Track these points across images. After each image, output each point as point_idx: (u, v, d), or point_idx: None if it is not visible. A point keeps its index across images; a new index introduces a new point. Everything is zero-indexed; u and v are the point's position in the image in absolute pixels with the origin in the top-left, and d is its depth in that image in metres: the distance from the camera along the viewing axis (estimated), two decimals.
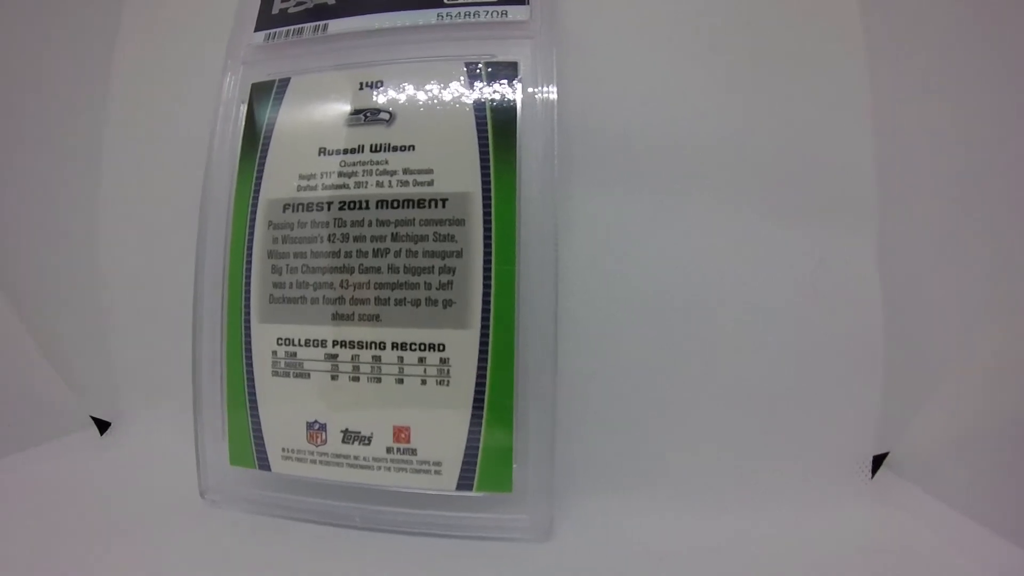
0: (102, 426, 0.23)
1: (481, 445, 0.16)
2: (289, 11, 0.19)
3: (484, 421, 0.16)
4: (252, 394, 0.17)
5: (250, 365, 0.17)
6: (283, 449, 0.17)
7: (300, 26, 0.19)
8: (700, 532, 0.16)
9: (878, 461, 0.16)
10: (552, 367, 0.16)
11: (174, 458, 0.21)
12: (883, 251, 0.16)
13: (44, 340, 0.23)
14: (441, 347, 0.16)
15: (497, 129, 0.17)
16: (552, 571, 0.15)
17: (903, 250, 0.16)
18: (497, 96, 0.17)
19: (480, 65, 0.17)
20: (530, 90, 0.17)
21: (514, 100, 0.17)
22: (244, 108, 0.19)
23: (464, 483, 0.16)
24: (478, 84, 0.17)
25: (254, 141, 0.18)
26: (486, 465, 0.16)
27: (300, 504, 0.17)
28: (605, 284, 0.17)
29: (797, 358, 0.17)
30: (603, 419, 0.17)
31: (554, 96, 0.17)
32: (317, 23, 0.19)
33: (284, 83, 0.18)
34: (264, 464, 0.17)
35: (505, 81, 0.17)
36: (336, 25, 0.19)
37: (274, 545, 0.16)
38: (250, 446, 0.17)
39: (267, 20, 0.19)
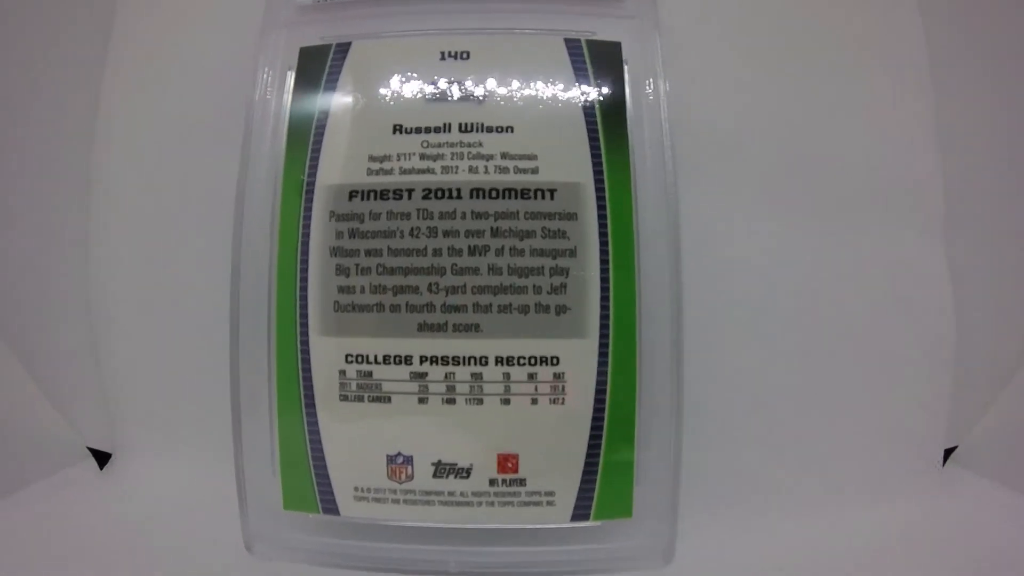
0: (101, 459, 0.16)
1: (600, 468, 0.11)
2: None
3: (604, 441, 0.11)
4: (313, 424, 0.11)
5: (309, 389, 0.11)
6: (356, 488, 0.11)
7: None
8: (802, 539, 0.12)
9: (948, 455, 0.14)
10: (678, 376, 0.11)
11: (196, 497, 0.14)
12: (952, 251, 0.14)
13: (30, 359, 0.15)
14: (555, 360, 0.11)
15: (606, 114, 0.12)
16: None
17: (972, 250, 0.14)
18: (603, 78, 0.12)
19: (582, 42, 0.12)
20: (637, 73, 0.12)
21: (622, 83, 0.12)
22: (292, 77, 0.12)
23: (580, 513, 0.11)
24: (580, 63, 0.12)
25: (306, 116, 0.12)
26: (605, 490, 0.11)
27: (378, 553, 0.11)
28: (710, 287, 0.13)
29: (877, 360, 0.14)
30: (713, 429, 0.13)
31: (663, 82, 0.12)
32: None
33: (343, 48, 0.12)
34: (330, 507, 0.11)
35: (610, 62, 0.12)
36: None
37: None
38: (311, 487, 0.11)
39: None
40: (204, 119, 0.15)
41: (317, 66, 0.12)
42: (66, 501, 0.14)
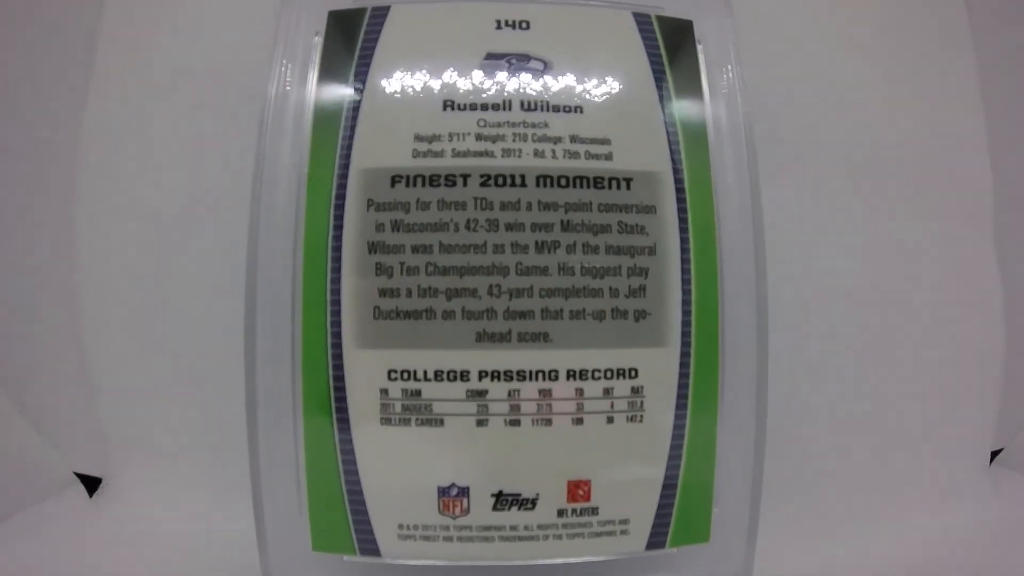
0: (91, 484, 0.12)
1: (679, 491, 0.09)
2: None
3: (683, 461, 0.09)
4: (348, 452, 0.09)
5: (343, 411, 0.09)
6: (401, 526, 0.09)
7: None
8: (871, 552, 0.11)
9: (994, 456, 0.13)
10: (763, 389, 0.09)
11: (194, 528, 0.11)
12: (1003, 252, 0.13)
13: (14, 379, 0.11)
14: (633, 372, 0.09)
15: (681, 98, 0.10)
16: None
17: (1022, 247, 0.13)
18: (677, 58, 0.10)
19: (652, 18, 0.10)
20: (712, 55, 0.10)
21: (696, 65, 0.10)
22: (320, 42, 0.10)
23: (656, 540, 0.09)
24: (651, 41, 0.10)
25: (337, 89, 0.09)
26: (683, 514, 0.09)
27: None
28: (787, 286, 0.11)
29: (930, 359, 0.13)
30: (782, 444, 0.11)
31: (738, 67, 0.10)
32: None
33: (381, 13, 0.09)
34: (370, 548, 0.09)
35: (682, 42, 0.10)
36: None
37: None
38: (346, 524, 0.09)
39: None
40: (208, 95, 0.12)
41: (350, 32, 0.09)
42: (54, 532, 0.11)
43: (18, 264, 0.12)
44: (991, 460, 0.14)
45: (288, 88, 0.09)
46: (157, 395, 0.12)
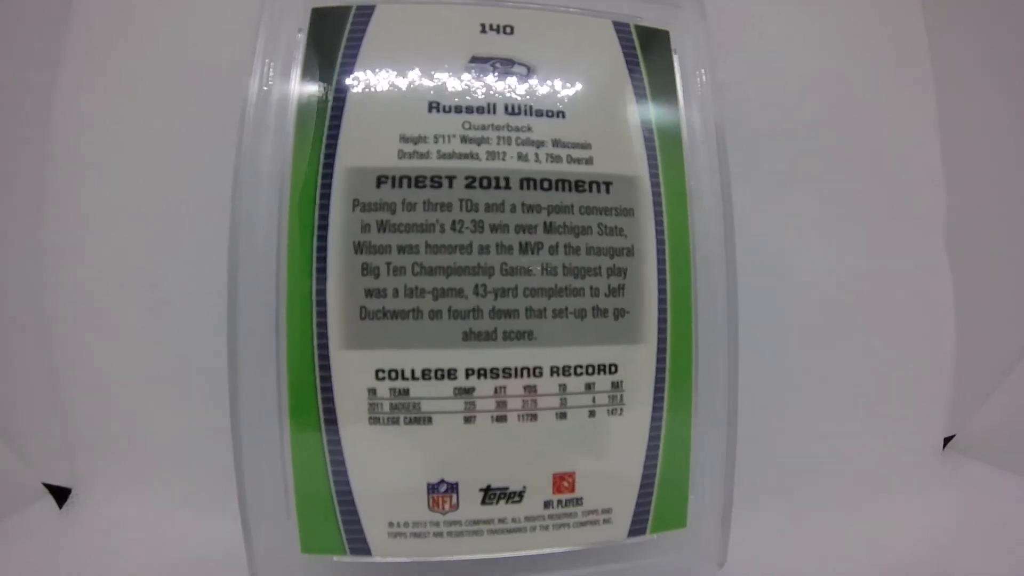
0: (60, 495, 0.12)
1: (657, 480, 0.11)
2: None
3: (661, 452, 0.11)
4: (336, 452, 0.10)
5: (331, 412, 0.10)
6: (391, 524, 0.10)
7: None
8: (835, 536, 0.13)
9: (948, 442, 0.15)
10: (733, 382, 0.11)
11: (171, 537, 0.12)
12: (953, 250, 0.15)
13: None
14: (613, 368, 0.10)
15: (658, 105, 0.11)
16: None
17: (972, 245, 0.15)
18: (654, 67, 0.11)
19: (631, 27, 0.11)
20: (689, 64, 0.12)
21: (672, 73, 0.11)
22: (303, 40, 0.10)
23: (637, 528, 0.11)
24: (630, 49, 0.11)
25: (321, 87, 0.10)
26: (662, 502, 0.11)
27: None
28: (755, 284, 0.13)
29: (887, 352, 0.15)
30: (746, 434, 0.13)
31: (712, 75, 0.12)
32: None
33: (366, 12, 0.10)
34: (360, 547, 0.10)
35: (659, 51, 0.12)
36: None
37: None
38: (335, 525, 0.10)
39: None
40: (183, 91, 0.12)
41: (334, 30, 0.10)
42: (24, 545, 0.11)
43: None
44: (944, 446, 0.16)
45: (270, 85, 0.10)
46: (129, 401, 0.13)
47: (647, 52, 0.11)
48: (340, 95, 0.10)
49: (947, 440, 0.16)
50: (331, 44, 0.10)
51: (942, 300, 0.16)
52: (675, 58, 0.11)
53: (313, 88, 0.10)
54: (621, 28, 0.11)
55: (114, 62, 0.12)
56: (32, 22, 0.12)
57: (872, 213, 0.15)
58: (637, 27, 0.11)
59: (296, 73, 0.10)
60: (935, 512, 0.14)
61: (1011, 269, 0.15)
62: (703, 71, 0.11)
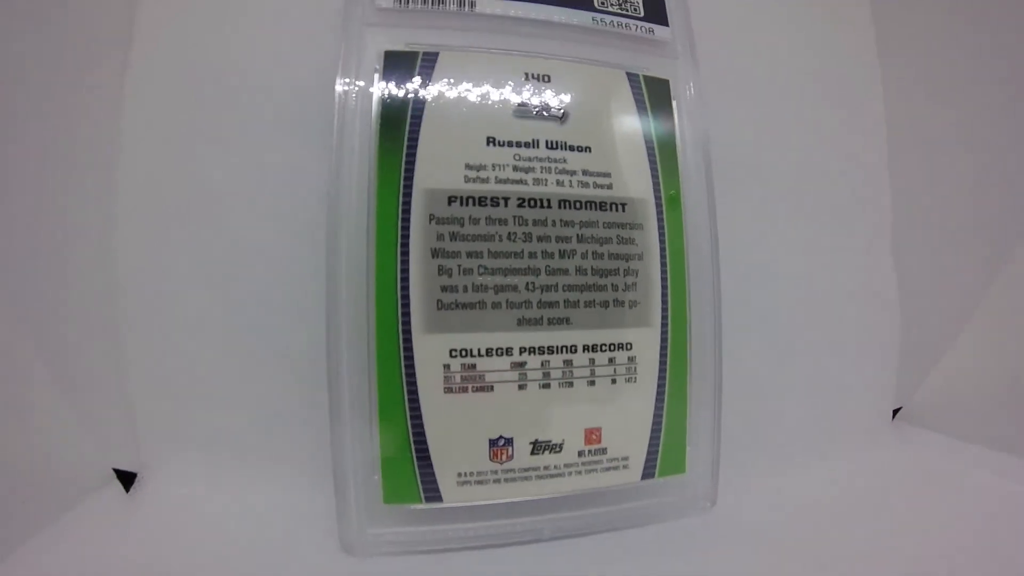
0: (127, 480, 0.14)
1: (663, 434, 0.14)
2: None
3: (665, 412, 0.14)
4: (416, 418, 0.12)
5: (412, 384, 0.12)
6: (459, 474, 0.13)
7: None
8: (803, 484, 0.17)
9: (896, 412, 0.20)
10: (718, 357, 0.15)
11: (242, 509, 0.14)
12: (897, 243, 0.20)
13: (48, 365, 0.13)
14: (629, 346, 0.14)
15: (660, 141, 0.15)
16: (725, 532, 0.14)
17: (914, 242, 0.20)
18: (658, 110, 0.15)
19: (640, 77, 0.15)
20: (685, 108, 0.15)
21: (672, 115, 0.15)
22: (378, 79, 0.13)
23: (648, 472, 0.14)
24: (639, 95, 0.15)
25: (397, 120, 0.13)
26: (667, 452, 0.14)
27: (479, 532, 0.13)
28: (733, 281, 0.17)
29: (827, 333, 0.20)
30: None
31: (704, 115, 0.16)
32: None
33: (431, 57, 0.13)
34: (433, 495, 0.12)
35: (661, 97, 0.15)
36: (484, 4, 0.14)
37: None
38: (414, 478, 0.12)
39: None
40: (251, 108, 0.14)
41: (405, 71, 0.13)
42: (96, 528, 0.12)
43: (55, 262, 0.13)
44: (894, 416, 0.21)
45: (353, 118, 0.12)
46: (189, 391, 0.15)
47: (652, 98, 0.15)
48: (415, 127, 0.13)
49: (896, 411, 0.21)
50: (403, 83, 0.13)
51: (888, 294, 0.21)
52: (674, 104, 0.15)
53: (391, 120, 0.13)
54: (632, 78, 0.15)
55: (188, 67, 0.15)
56: (97, 28, 0.14)
57: (831, 222, 0.20)
58: (645, 77, 0.15)
59: (376, 107, 0.13)
60: (886, 468, 0.18)
61: (945, 269, 0.20)
62: (697, 113, 0.15)
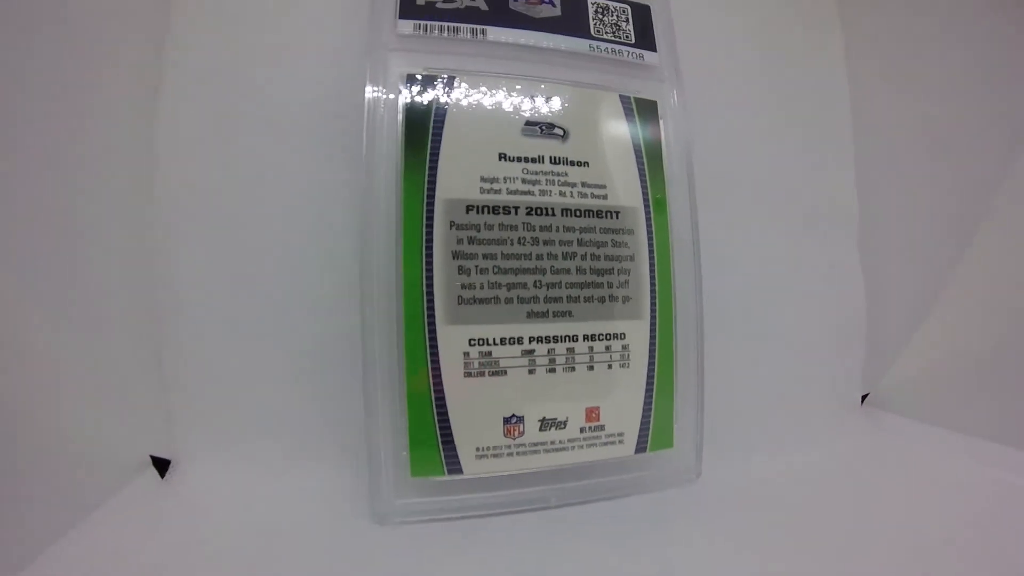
0: (162, 466, 0.15)
1: (653, 413, 0.17)
2: (437, 5, 0.16)
3: (655, 393, 0.17)
4: (440, 400, 0.14)
5: (436, 369, 0.14)
6: (477, 449, 0.15)
7: (456, 24, 0.16)
8: (779, 461, 0.20)
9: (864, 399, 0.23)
10: (700, 346, 0.17)
11: (273, 490, 0.16)
12: (864, 246, 0.23)
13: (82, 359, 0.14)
14: (622, 336, 0.16)
15: (649, 156, 0.17)
16: (709, 499, 0.17)
17: (877, 239, 0.23)
18: (647, 129, 0.17)
19: (632, 99, 0.17)
20: (671, 125, 0.18)
21: (659, 133, 0.18)
22: (401, 100, 0.15)
23: (640, 446, 0.17)
24: (631, 115, 0.17)
25: (420, 137, 0.15)
26: (656, 428, 0.17)
27: (494, 500, 0.15)
28: (714, 279, 0.19)
29: (801, 327, 0.22)
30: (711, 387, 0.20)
31: (688, 132, 0.18)
32: (474, 26, 0.16)
33: (449, 81, 0.15)
34: (455, 468, 0.15)
35: (650, 117, 0.18)
36: (495, 33, 0.16)
37: (473, 545, 0.14)
38: (437, 453, 0.14)
39: (412, 9, 0.16)
40: (285, 127, 0.16)
41: (425, 93, 0.15)
42: (134, 511, 0.14)
43: (98, 261, 0.14)
44: (862, 401, 0.24)
45: (378, 132, 0.14)
46: (222, 383, 0.16)
47: (642, 117, 0.17)
48: (436, 143, 0.15)
49: (864, 397, 0.24)
50: (424, 103, 0.15)
51: (855, 289, 0.24)
52: (661, 123, 0.18)
53: (414, 137, 0.15)
54: (625, 100, 0.17)
55: (222, 69, 0.16)
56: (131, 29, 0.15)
57: (802, 222, 0.23)
58: (635, 99, 0.17)
59: (400, 125, 0.15)
60: (855, 447, 0.21)
61: (906, 265, 0.23)
62: (682, 131, 0.18)
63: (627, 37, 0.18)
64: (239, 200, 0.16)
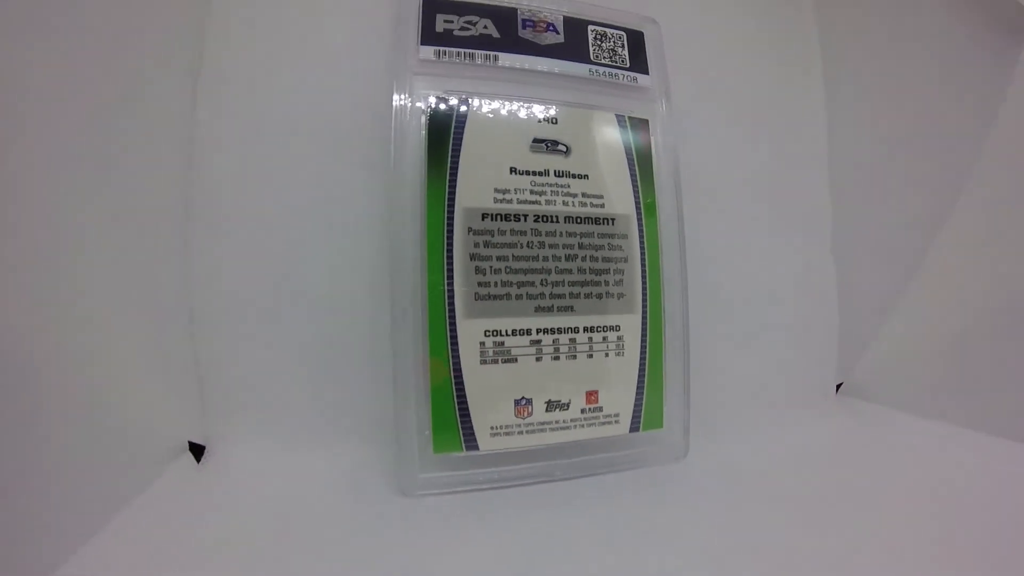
0: (197, 452, 0.17)
1: (644, 396, 0.19)
2: (455, 33, 0.18)
3: (646, 378, 0.19)
4: (460, 385, 0.17)
5: (456, 357, 0.17)
6: (491, 428, 0.17)
7: (471, 51, 0.18)
8: (756, 443, 0.22)
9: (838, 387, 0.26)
10: (686, 337, 0.20)
11: (305, 470, 0.18)
12: (836, 246, 0.26)
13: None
14: (617, 327, 0.19)
15: (641, 167, 0.20)
16: (695, 475, 0.19)
17: (849, 238, 0.26)
18: (640, 145, 0.20)
19: (626, 118, 0.20)
20: (660, 141, 0.20)
21: (650, 149, 0.20)
22: (424, 120, 0.17)
23: (634, 426, 0.19)
24: (625, 132, 0.20)
25: (441, 152, 0.17)
26: (648, 410, 0.19)
27: (506, 474, 0.17)
28: (698, 278, 0.22)
29: (779, 321, 0.25)
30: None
31: (676, 147, 0.21)
32: (487, 52, 0.18)
33: (466, 102, 0.18)
34: (472, 445, 0.17)
35: (642, 131, 0.20)
36: (505, 59, 0.19)
37: (488, 513, 0.16)
38: (456, 432, 0.17)
39: (433, 37, 0.18)
40: (306, 124, 0.19)
41: (445, 114, 0.17)
42: (173, 493, 0.16)
43: (140, 257, 0.16)
44: (837, 390, 0.27)
45: (406, 149, 0.17)
46: (253, 374, 0.18)
47: (635, 135, 0.20)
48: (455, 158, 0.17)
49: (839, 386, 0.27)
50: (445, 123, 0.17)
51: (828, 285, 0.27)
52: (652, 138, 0.20)
53: (436, 152, 0.17)
54: (620, 118, 0.20)
55: (257, 75, 0.18)
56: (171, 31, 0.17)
57: (780, 223, 0.26)
58: (629, 118, 0.20)
59: (424, 140, 0.17)
60: (830, 431, 0.24)
61: (876, 263, 0.27)
62: (671, 146, 0.20)
63: (622, 61, 0.21)
64: (274, 204, 0.18)
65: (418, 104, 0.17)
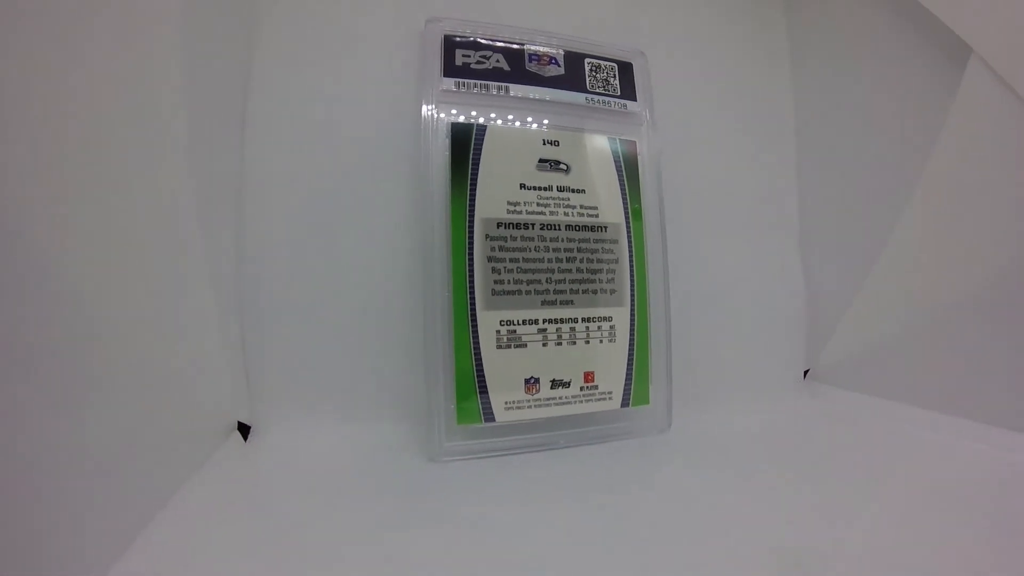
0: (244, 431, 0.21)
1: (633, 376, 0.24)
2: (472, 66, 0.23)
3: (634, 361, 0.24)
4: (479, 366, 0.21)
5: (476, 344, 0.21)
6: (506, 403, 0.22)
7: (486, 82, 0.23)
8: (728, 421, 0.28)
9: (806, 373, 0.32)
10: (668, 326, 0.25)
11: (342, 445, 0.22)
12: (803, 245, 0.32)
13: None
14: (610, 318, 0.24)
15: (629, 182, 0.25)
16: (678, 443, 0.24)
17: (815, 237, 0.32)
18: (628, 161, 0.25)
19: (617, 140, 0.25)
20: (646, 158, 0.25)
21: (637, 166, 0.25)
22: (448, 142, 0.21)
23: (625, 402, 0.24)
24: (616, 152, 0.25)
25: (462, 170, 0.22)
26: (636, 389, 0.24)
27: (518, 442, 0.22)
28: (679, 276, 0.27)
29: (752, 313, 0.31)
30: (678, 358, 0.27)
31: (661, 165, 0.26)
32: (500, 84, 0.23)
33: (483, 128, 0.22)
34: (489, 417, 0.21)
35: (631, 151, 0.25)
36: (515, 89, 0.23)
37: (506, 475, 0.21)
38: (476, 406, 0.21)
39: (453, 70, 0.22)
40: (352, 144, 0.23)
41: (465, 137, 0.22)
42: (225, 469, 0.20)
43: (195, 257, 0.20)
44: (805, 375, 0.33)
45: (430, 169, 0.21)
46: (296, 360, 0.22)
47: (625, 155, 0.25)
48: (474, 176, 0.22)
49: (806, 372, 0.33)
50: (465, 145, 0.22)
51: (796, 280, 0.33)
52: (639, 157, 0.25)
53: (458, 170, 0.21)
54: (612, 140, 0.25)
55: (304, 101, 0.23)
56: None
57: (752, 225, 0.32)
58: (620, 140, 0.25)
59: (447, 161, 0.21)
60: (798, 412, 0.30)
61: (839, 259, 0.33)
62: (655, 164, 0.25)
63: (614, 90, 0.26)
64: (316, 213, 0.23)
65: (442, 129, 0.22)
